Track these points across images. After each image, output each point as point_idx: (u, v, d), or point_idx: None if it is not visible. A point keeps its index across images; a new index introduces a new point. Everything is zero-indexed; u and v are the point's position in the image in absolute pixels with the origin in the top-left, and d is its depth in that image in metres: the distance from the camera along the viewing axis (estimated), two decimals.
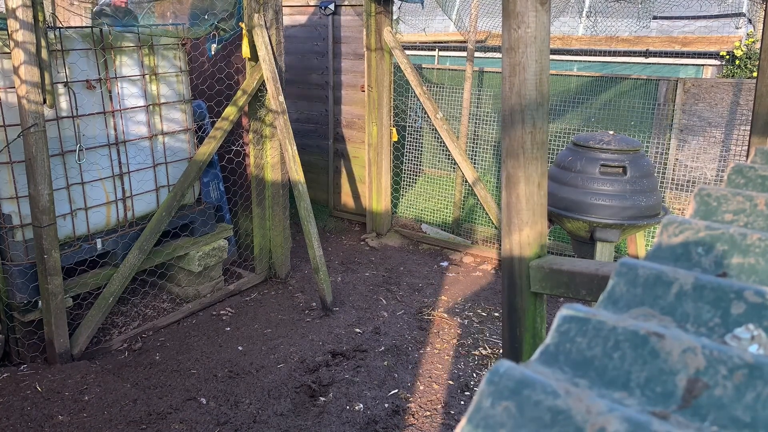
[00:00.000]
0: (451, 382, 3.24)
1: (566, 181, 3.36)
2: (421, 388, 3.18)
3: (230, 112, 3.90)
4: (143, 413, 2.87)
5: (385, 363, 3.38)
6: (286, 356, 3.41)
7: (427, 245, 5.09)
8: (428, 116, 4.89)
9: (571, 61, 8.25)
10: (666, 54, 7.83)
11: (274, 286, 4.30)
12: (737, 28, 7.84)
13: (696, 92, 4.23)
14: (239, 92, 3.96)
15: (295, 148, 4.01)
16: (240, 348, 3.50)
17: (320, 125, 5.65)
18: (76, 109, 3.26)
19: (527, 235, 1.92)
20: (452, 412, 3.02)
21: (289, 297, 4.15)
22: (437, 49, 9.01)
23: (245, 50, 3.96)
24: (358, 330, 3.72)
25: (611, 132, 3.51)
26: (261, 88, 4.03)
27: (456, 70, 5.29)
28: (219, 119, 3.89)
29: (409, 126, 5.51)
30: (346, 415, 2.95)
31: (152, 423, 2.83)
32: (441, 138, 4.92)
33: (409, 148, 5.48)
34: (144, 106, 3.60)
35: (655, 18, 8.29)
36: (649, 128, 4.36)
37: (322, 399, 3.06)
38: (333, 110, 5.51)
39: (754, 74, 6.10)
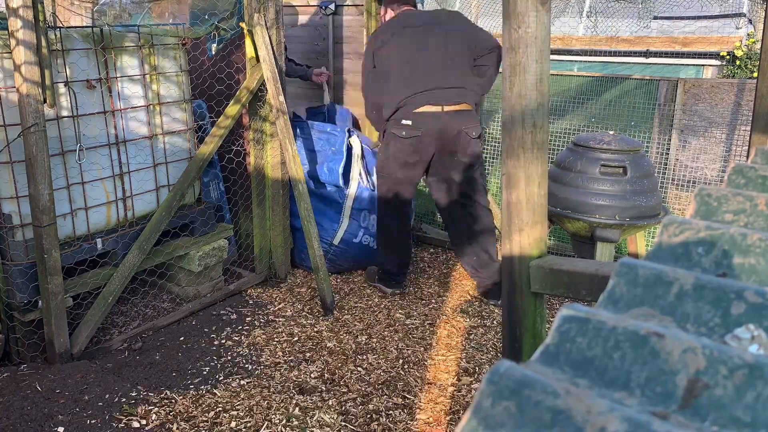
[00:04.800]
0: (452, 382, 3.24)
1: (566, 181, 3.36)
2: (423, 387, 3.18)
3: (233, 110, 3.90)
4: None
5: (386, 362, 3.38)
6: (289, 354, 3.41)
7: (428, 245, 5.09)
8: None
9: (572, 61, 8.24)
10: (666, 54, 7.83)
11: (275, 286, 4.30)
12: (738, 29, 7.84)
13: (696, 92, 4.22)
14: (242, 90, 3.96)
15: (295, 148, 4.01)
16: (241, 348, 3.50)
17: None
18: (77, 109, 3.26)
19: (527, 235, 1.92)
20: (454, 412, 3.02)
21: (290, 296, 4.15)
22: None
23: (249, 50, 3.96)
24: (359, 329, 3.72)
25: (611, 132, 3.51)
26: (261, 87, 4.03)
27: None
28: (222, 117, 3.89)
29: None
30: (349, 412, 2.94)
31: None
32: None
33: None
34: (144, 106, 3.60)
35: (655, 18, 8.29)
36: (650, 128, 4.36)
37: (323, 397, 3.06)
38: None
39: (755, 74, 6.10)
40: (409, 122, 3.83)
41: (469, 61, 3.92)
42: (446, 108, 3.82)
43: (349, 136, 4.39)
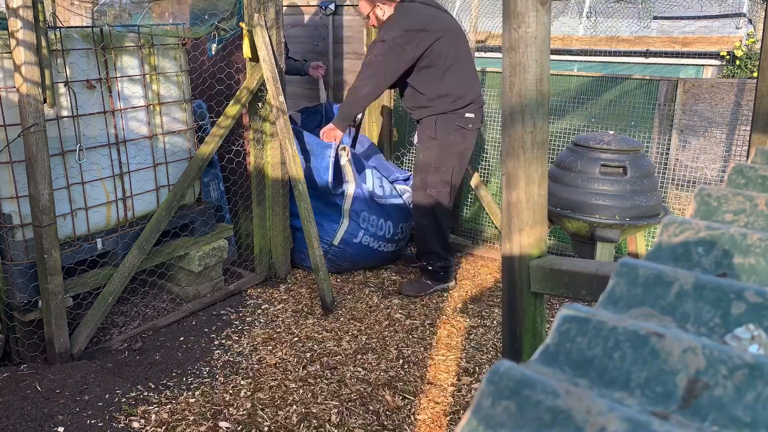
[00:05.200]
0: (452, 382, 3.24)
1: (566, 181, 3.36)
2: (423, 387, 3.18)
3: (233, 110, 3.90)
4: None
5: (386, 362, 3.38)
6: (288, 354, 3.41)
7: None
8: None
9: (572, 61, 8.24)
10: (666, 54, 7.83)
11: (275, 286, 4.30)
12: (737, 29, 7.84)
13: (696, 92, 4.22)
14: (242, 90, 3.96)
15: (295, 147, 4.01)
16: (241, 347, 3.50)
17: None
18: (77, 109, 3.26)
19: (527, 235, 1.92)
20: (454, 412, 3.02)
21: (290, 296, 4.15)
22: None
23: (246, 50, 3.95)
24: (359, 329, 3.72)
25: (611, 132, 3.51)
26: (261, 87, 4.03)
27: None
28: (222, 117, 3.89)
29: (409, 126, 5.50)
30: (349, 412, 2.94)
31: None
32: None
33: (410, 148, 5.47)
34: (144, 106, 3.60)
35: (655, 18, 8.29)
36: (650, 128, 4.35)
37: (323, 397, 3.06)
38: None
39: (755, 74, 6.10)
40: (473, 115, 4.07)
41: None
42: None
43: (338, 145, 4.31)
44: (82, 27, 3.44)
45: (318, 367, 3.32)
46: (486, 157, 5.03)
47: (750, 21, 7.83)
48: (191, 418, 2.88)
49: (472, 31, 4.91)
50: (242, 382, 3.17)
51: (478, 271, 4.62)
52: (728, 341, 0.65)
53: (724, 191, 0.95)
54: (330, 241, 4.35)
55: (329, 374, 3.26)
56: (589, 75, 4.75)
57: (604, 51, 8.03)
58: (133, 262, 3.51)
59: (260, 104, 4.10)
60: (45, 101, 2.96)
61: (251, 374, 3.24)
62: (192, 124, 3.92)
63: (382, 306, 4.03)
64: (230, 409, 2.96)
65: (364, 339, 3.62)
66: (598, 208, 3.26)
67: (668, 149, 4.31)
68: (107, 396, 2.96)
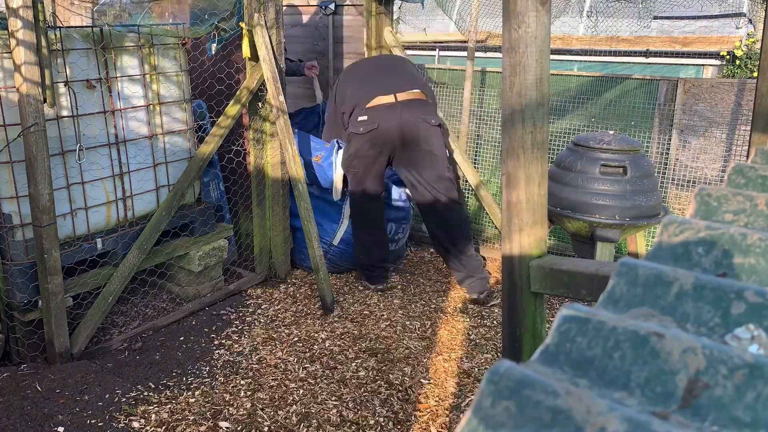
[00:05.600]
0: (452, 382, 3.24)
1: (566, 181, 3.36)
2: (423, 387, 3.18)
3: (233, 110, 3.90)
4: None
5: (387, 362, 3.38)
6: (289, 354, 3.41)
7: (428, 245, 5.09)
8: None
9: (572, 61, 8.24)
10: (666, 54, 7.83)
11: (275, 286, 4.30)
12: (738, 28, 7.84)
13: (696, 92, 4.22)
14: (242, 90, 3.97)
15: (295, 147, 4.01)
16: (241, 347, 3.50)
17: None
18: (77, 109, 3.26)
19: (527, 235, 1.92)
20: (455, 411, 3.02)
21: (290, 296, 4.15)
22: (437, 49, 9.01)
23: (245, 50, 3.95)
24: (358, 329, 3.72)
25: (611, 132, 3.51)
26: (261, 87, 4.03)
27: (457, 69, 5.29)
28: (222, 117, 3.89)
29: None
30: (349, 412, 2.94)
31: None
32: None
33: None
34: (144, 106, 3.60)
35: (655, 18, 8.29)
36: (650, 128, 4.35)
37: (323, 397, 3.06)
38: None
39: (755, 74, 6.09)
40: (365, 117, 3.92)
41: (417, 73, 4.25)
42: (399, 96, 3.91)
43: (339, 148, 4.35)
44: (82, 27, 3.44)
45: (318, 367, 3.32)
46: (486, 157, 5.02)
47: (750, 21, 7.83)
48: (191, 417, 2.88)
49: (472, 31, 4.91)
50: (242, 382, 3.16)
51: None
52: (728, 341, 0.65)
53: (724, 191, 0.95)
54: (330, 241, 4.35)
55: (329, 374, 3.25)
56: (589, 75, 4.75)
57: (604, 51, 8.03)
58: (133, 261, 3.51)
59: (260, 104, 4.10)
60: (45, 101, 2.96)
61: (251, 374, 3.24)
62: (192, 124, 3.92)
63: (382, 306, 4.03)
64: (230, 409, 2.96)
65: (363, 339, 3.62)
66: (598, 208, 3.26)
67: (668, 149, 4.30)
68: (107, 396, 2.96)
